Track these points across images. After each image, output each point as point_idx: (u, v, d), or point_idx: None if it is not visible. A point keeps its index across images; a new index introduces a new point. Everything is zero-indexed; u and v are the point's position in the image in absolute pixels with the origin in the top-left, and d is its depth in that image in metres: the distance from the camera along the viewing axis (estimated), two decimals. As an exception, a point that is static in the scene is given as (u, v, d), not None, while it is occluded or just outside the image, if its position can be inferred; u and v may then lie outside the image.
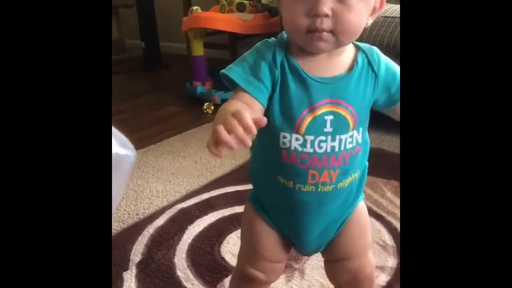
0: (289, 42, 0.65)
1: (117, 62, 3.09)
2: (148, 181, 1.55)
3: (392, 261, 1.09)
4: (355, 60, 0.66)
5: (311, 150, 0.65)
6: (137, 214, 1.35)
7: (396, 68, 0.68)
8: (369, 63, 0.66)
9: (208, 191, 1.46)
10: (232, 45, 2.86)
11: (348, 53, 0.66)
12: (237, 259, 0.81)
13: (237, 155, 1.70)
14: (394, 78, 0.67)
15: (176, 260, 1.12)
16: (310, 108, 0.64)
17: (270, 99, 0.65)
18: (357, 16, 0.60)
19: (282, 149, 0.66)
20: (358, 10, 0.60)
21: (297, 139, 0.65)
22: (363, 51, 0.67)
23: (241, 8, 2.35)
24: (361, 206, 0.75)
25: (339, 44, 0.62)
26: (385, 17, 1.75)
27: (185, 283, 1.04)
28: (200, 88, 2.33)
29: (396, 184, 1.42)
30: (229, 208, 1.34)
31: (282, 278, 1.03)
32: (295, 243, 0.76)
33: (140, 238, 1.22)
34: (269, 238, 0.74)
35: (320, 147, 0.65)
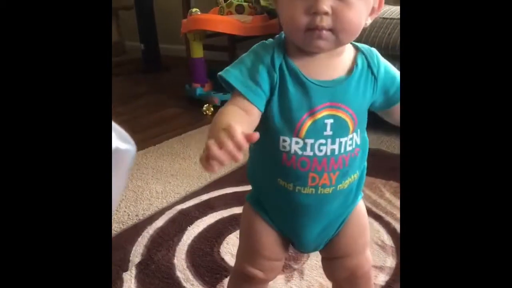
0: (288, 43, 0.65)
1: (117, 64, 3.09)
2: (147, 183, 1.56)
3: (391, 261, 1.09)
4: (354, 62, 0.66)
5: (311, 154, 0.65)
6: (136, 215, 1.35)
7: (395, 71, 0.68)
8: (369, 65, 0.66)
9: (208, 192, 1.46)
10: (231, 47, 2.87)
11: (347, 54, 0.66)
12: (236, 258, 0.81)
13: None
14: (392, 81, 0.67)
15: (175, 261, 1.13)
16: (310, 111, 0.64)
17: (269, 102, 0.64)
18: (357, 14, 0.60)
19: (282, 152, 0.66)
20: (358, 8, 0.59)
21: (297, 143, 0.65)
22: (363, 53, 0.67)
23: (240, 10, 2.35)
24: (360, 205, 0.76)
25: (338, 43, 0.61)
26: (384, 18, 1.76)
27: (184, 284, 1.04)
28: (199, 90, 2.33)
29: (395, 184, 1.42)
30: (228, 209, 1.35)
31: (281, 279, 1.04)
32: (294, 242, 0.76)
33: (139, 239, 1.22)
34: (268, 237, 0.74)
35: (320, 150, 0.65)
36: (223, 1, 2.41)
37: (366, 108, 0.68)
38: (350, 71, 0.65)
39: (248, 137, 0.52)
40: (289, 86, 0.63)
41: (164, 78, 3.06)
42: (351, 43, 0.66)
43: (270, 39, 0.67)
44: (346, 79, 0.65)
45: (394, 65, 0.69)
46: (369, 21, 0.64)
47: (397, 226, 1.22)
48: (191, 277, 1.07)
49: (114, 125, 0.47)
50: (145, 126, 2.12)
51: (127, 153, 0.49)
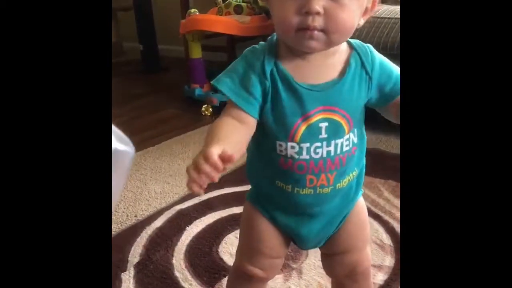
0: (279, 45, 0.65)
1: (116, 65, 3.09)
2: (146, 183, 1.56)
3: (389, 260, 1.09)
4: (347, 63, 0.65)
5: (307, 157, 0.65)
6: (135, 216, 1.35)
7: (391, 66, 0.67)
8: (363, 64, 0.65)
9: (206, 192, 1.46)
10: (230, 47, 2.86)
11: (340, 54, 0.65)
12: (235, 257, 0.81)
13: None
14: (388, 78, 0.66)
15: (174, 261, 1.13)
16: (303, 116, 0.64)
17: (263, 108, 0.64)
18: (350, 15, 0.59)
19: (279, 156, 0.66)
20: (351, 8, 0.59)
21: (292, 147, 0.65)
22: (357, 51, 0.66)
23: (238, 10, 2.35)
24: (361, 201, 0.76)
25: (330, 43, 0.61)
26: (381, 18, 1.76)
27: (183, 284, 1.04)
28: (198, 91, 2.33)
29: (394, 184, 1.42)
30: (227, 209, 1.35)
31: (279, 278, 1.04)
32: (294, 239, 0.76)
33: (138, 239, 1.22)
34: (269, 235, 0.74)
35: (316, 153, 0.65)
36: (221, 2, 2.41)
37: (361, 106, 0.67)
38: (343, 72, 0.64)
39: (224, 158, 0.55)
40: (281, 92, 0.63)
41: (163, 79, 3.06)
42: (346, 41, 0.66)
43: (262, 42, 0.67)
44: (339, 81, 0.64)
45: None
46: (362, 22, 0.63)
47: (396, 225, 1.22)
48: (189, 277, 1.07)
49: (113, 126, 0.47)
50: (144, 127, 2.12)
51: (126, 154, 0.49)
